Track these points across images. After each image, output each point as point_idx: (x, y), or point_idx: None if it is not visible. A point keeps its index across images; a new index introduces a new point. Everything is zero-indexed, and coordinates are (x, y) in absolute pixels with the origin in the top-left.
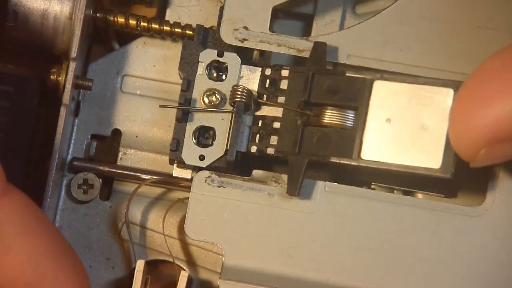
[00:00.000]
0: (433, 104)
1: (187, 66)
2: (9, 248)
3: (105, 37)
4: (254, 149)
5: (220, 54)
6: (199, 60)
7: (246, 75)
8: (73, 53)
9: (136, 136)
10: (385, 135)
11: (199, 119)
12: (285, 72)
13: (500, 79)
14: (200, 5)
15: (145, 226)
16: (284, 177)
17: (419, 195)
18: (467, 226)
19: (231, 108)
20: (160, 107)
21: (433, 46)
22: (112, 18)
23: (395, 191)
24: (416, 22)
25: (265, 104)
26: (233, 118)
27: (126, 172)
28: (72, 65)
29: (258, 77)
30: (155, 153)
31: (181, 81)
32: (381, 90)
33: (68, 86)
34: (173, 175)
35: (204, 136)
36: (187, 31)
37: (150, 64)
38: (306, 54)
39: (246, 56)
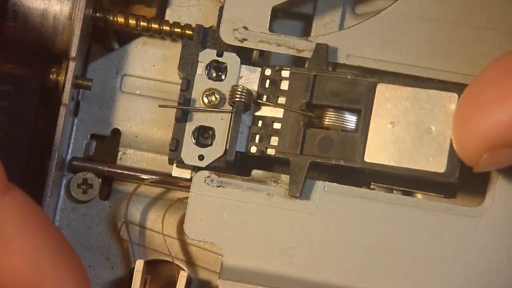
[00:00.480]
0: (437, 108)
1: (187, 66)
2: (9, 246)
3: (104, 37)
4: (254, 149)
5: (220, 54)
6: (199, 60)
7: (246, 75)
8: (73, 52)
9: (136, 136)
10: (389, 138)
11: (199, 119)
12: (285, 73)
13: (500, 86)
14: (199, 5)
15: (145, 226)
16: (284, 177)
17: (419, 195)
18: (467, 226)
19: (231, 108)
20: (159, 107)
21: (432, 47)
22: (111, 18)
23: (394, 191)
24: (415, 23)
25: (265, 104)
26: (232, 118)
27: (125, 172)
28: (72, 65)
29: (258, 77)
30: (154, 153)
31: (180, 81)
32: (384, 93)
33: (68, 85)
34: (173, 175)
35: (204, 136)
36: (187, 31)
37: (149, 64)
38: (306, 54)
39: (246, 56)
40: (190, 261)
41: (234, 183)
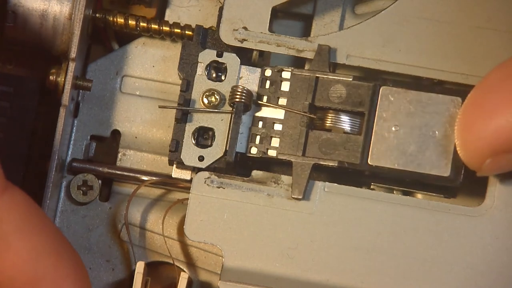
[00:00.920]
0: (441, 112)
1: (187, 67)
2: (9, 246)
3: (104, 38)
4: (254, 150)
5: (220, 55)
6: (199, 60)
7: (246, 76)
8: (73, 53)
9: (136, 137)
10: (393, 142)
11: (198, 120)
12: (286, 74)
13: (503, 91)
14: (199, 5)
15: (145, 227)
16: (284, 178)
17: (419, 195)
18: (467, 226)
19: (231, 108)
20: (159, 107)
21: (432, 46)
22: (111, 19)
23: (394, 192)
24: (415, 22)
25: (265, 105)
26: (232, 119)
27: (125, 173)
28: (72, 66)
29: (258, 78)
30: (154, 154)
31: (180, 81)
32: (388, 96)
33: (68, 86)
34: (173, 176)
35: (204, 136)
36: (187, 32)
37: (149, 64)
38: (306, 55)
39: (246, 56)
40: (190, 263)
41: (234, 184)
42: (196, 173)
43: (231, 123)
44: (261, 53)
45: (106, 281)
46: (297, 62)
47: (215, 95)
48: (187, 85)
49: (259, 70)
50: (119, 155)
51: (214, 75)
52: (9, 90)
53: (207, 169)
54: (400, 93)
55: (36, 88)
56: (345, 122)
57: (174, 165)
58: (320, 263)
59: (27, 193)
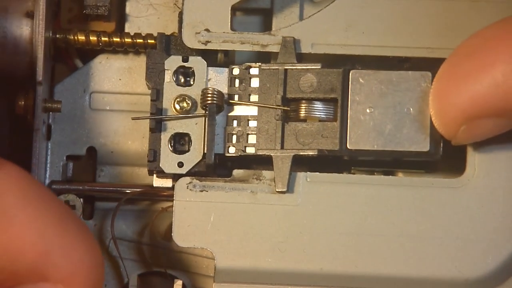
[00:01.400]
0: (413, 88)
1: (154, 76)
2: (12, 219)
3: (66, 57)
4: (232, 150)
5: (185, 59)
6: (165, 68)
7: (214, 77)
8: (39, 76)
9: (112, 152)
10: (369, 124)
11: (173, 127)
12: (254, 70)
13: (477, 57)
14: (157, 13)
15: (132, 239)
16: (265, 173)
17: (400, 174)
18: (452, 198)
19: (203, 111)
20: (132, 119)
21: (395, 25)
22: (72, 37)
23: (375, 173)
24: (375, 2)
25: (238, 104)
26: (206, 122)
27: (106, 189)
28: (39, 89)
29: (226, 78)
30: (132, 166)
31: (149, 91)
32: (358, 79)
33: (37, 110)
34: (154, 185)
35: (180, 142)
36: (149, 41)
37: (115, 78)
38: (271, 49)
39: (211, 58)
40: (183, 269)
41: (216, 185)
42: (177, 180)
43: (206, 125)
44: (226, 52)
45: None
46: (262, 57)
47: (186, 100)
48: (157, 94)
49: (226, 70)
50: (97, 171)
51: (182, 80)
52: None
53: (188, 174)
54: (370, 74)
55: (5, 115)
56: (319, 110)
57: (155, 175)
58: (312, 253)
59: None
